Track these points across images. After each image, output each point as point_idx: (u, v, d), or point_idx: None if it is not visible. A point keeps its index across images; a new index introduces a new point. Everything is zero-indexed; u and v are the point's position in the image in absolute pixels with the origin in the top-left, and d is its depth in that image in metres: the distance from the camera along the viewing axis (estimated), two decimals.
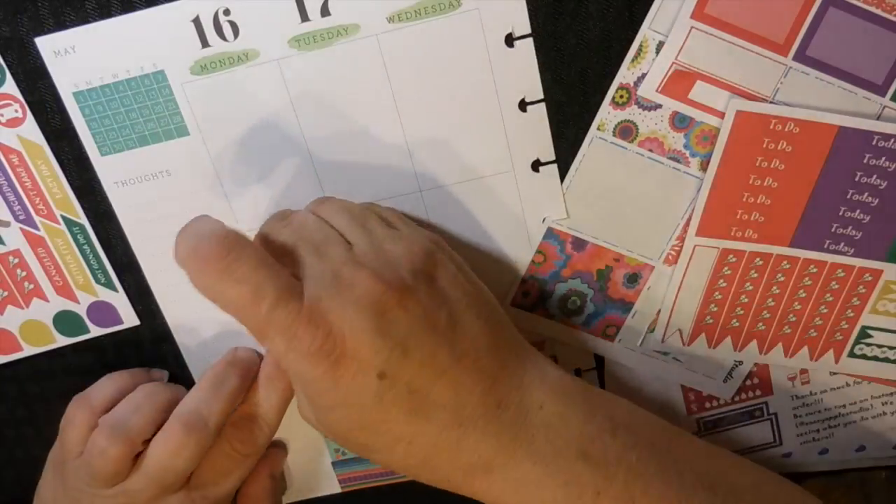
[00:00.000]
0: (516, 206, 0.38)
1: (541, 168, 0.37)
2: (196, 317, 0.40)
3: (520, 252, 0.39)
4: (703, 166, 0.37)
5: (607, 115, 0.36)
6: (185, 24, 0.33)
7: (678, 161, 0.37)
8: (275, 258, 0.28)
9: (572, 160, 0.37)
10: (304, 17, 0.33)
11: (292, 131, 0.36)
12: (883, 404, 0.43)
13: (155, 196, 0.37)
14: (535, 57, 0.34)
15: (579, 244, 0.39)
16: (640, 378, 0.43)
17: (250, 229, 0.38)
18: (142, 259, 0.39)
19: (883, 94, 0.35)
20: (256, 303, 0.26)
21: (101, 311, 0.40)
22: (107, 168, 0.37)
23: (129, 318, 0.41)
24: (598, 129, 0.36)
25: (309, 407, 0.30)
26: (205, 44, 0.34)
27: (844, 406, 0.43)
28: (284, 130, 0.36)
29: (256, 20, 0.33)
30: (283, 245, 0.30)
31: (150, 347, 0.42)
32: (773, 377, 0.42)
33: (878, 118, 0.35)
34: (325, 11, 0.33)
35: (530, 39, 0.34)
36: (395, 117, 0.35)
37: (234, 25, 0.33)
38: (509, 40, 0.34)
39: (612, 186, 0.37)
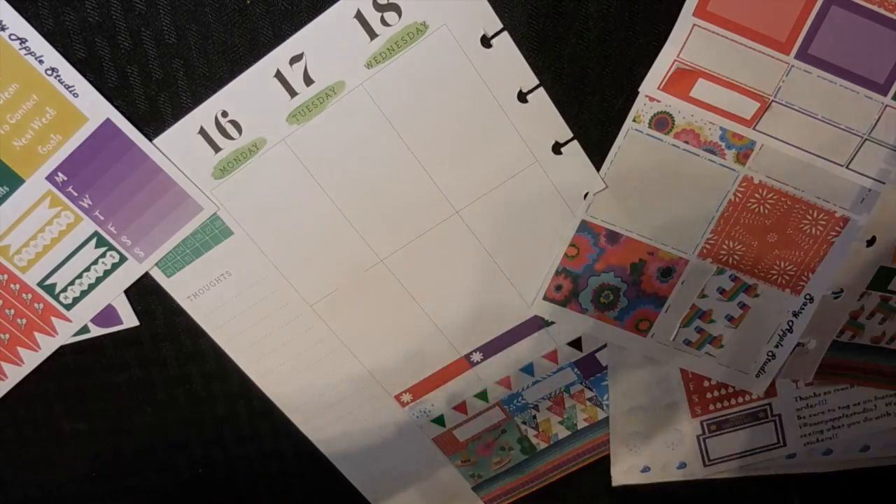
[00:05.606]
0: (552, 193, 0.37)
1: (562, 149, 0.36)
2: (293, 390, 0.43)
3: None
4: (739, 159, 0.36)
5: (643, 106, 0.35)
6: (194, 136, 0.36)
7: (714, 153, 0.36)
8: None
9: None
10: (292, 92, 0.35)
11: (320, 200, 0.37)
12: (887, 405, 0.43)
13: (225, 297, 0.40)
14: (516, 48, 0.34)
15: (613, 237, 0.38)
16: (646, 381, 0.42)
17: (314, 302, 0.40)
18: (234, 356, 0.42)
19: (885, 94, 0.34)
20: None
21: (102, 312, 0.41)
22: (176, 287, 0.40)
23: (129, 319, 0.41)
24: (634, 120, 0.36)
25: None
26: (216, 148, 0.36)
27: (848, 407, 0.43)
28: (313, 202, 0.37)
29: (252, 111, 0.35)
30: None
31: (149, 347, 0.42)
32: (777, 379, 0.42)
33: (879, 118, 0.34)
34: (307, 80, 0.34)
35: (505, 33, 0.34)
36: (406, 151, 0.36)
37: (235, 124, 0.35)
38: (485, 42, 0.34)
39: (646, 179, 0.37)
